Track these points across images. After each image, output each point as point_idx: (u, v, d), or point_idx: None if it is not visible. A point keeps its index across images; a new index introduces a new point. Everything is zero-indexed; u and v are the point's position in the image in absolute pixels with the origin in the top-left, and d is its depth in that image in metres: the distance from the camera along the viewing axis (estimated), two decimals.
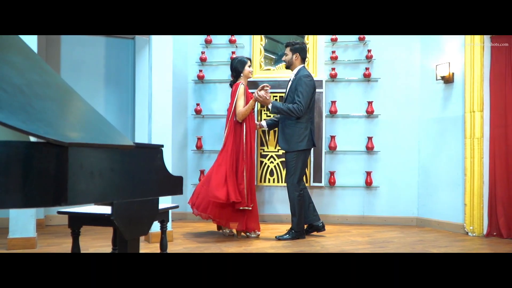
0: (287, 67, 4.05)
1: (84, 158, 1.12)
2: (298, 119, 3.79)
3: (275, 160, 4.77)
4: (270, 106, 3.86)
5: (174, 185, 1.48)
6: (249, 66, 4.01)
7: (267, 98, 3.86)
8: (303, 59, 3.97)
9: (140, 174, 1.35)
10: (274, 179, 4.79)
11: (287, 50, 3.94)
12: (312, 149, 4.64)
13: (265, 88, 3.88)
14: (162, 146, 1.47)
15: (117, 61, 4.77)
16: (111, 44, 4.75)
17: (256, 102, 3.95)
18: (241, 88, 3.91)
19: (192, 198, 3.91)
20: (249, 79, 4.10)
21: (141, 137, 4.35)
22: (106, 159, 1.19)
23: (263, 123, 4.15)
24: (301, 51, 3.92)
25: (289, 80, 3.98)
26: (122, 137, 1.30)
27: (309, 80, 3.81)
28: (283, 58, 4.02)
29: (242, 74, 3.98)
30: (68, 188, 1.08)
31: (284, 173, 4.61)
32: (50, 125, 1.10)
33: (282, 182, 4.71)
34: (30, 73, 1.30)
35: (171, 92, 3.70)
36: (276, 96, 4.67)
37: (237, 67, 3.98)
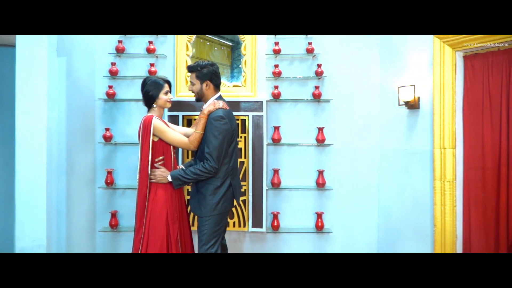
0: (198, 100, 2.88)
1: None
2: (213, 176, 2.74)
3: None
4: (170, 179, 2.72)
5: None
6: (167, 93, 2.81)
7: (163, 175, 2.73)
8: (217, 87, 2.85)
9: None
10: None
11: (193, 78, 2.79)
12: (250, 185, 3.76)
13: (155, 165, 2.75)
14: None
15: None
16: None
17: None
18: (156, 127, 2.69)
19: None
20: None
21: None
22: None
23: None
24: (212, 76, 2.79)
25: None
26: None
27: (222, 124, 2.68)
28: (189, 88, 2.86)
29: (155, 104, 2.81)
30: None
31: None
32: None
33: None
34: None
35: (46, 122, 2.69)
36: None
37: (149, 91, 2.76)
